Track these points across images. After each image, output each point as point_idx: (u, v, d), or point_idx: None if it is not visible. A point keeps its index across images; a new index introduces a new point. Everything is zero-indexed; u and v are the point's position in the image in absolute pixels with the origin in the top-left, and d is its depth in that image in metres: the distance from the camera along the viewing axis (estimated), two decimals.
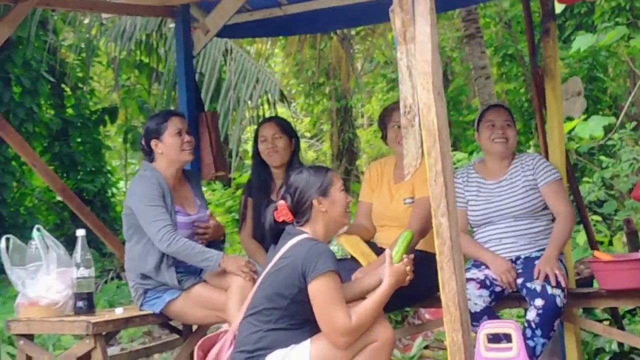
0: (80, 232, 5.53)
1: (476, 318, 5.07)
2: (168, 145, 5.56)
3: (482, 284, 5.31)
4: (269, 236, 4.73)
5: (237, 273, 5.29)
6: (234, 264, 5.32)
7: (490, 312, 5.25)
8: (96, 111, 13.62)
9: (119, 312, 5.60)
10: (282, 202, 4.61)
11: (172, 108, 11.61)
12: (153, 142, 5.60)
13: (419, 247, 5.52)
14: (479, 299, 5.24)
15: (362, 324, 4.36)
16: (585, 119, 6.49)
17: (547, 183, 5.48)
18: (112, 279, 11.51)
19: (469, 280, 5.25)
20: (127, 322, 5.53)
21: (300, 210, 4.57)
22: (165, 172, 5.58)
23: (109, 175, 14.38)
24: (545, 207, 5.55)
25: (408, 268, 4.62)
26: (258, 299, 4.48)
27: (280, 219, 4.59)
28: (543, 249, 5.41)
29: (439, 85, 4.25)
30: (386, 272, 4.55)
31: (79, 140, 13.73)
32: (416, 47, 4.24)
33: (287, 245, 4.48)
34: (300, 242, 4.46)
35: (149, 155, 5.65)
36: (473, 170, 5.73)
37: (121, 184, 15.87)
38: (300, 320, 4.42)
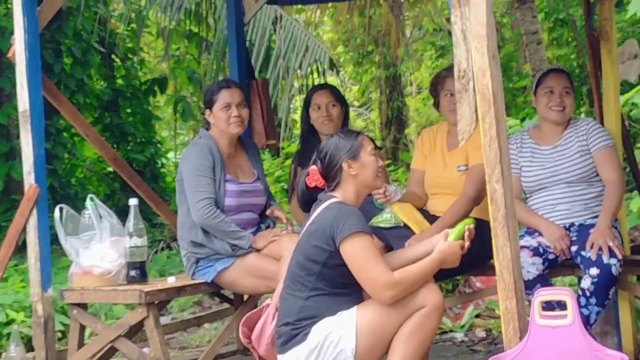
0: (133, 202, 5.55)
1: (529, 286, 5.02)
2: (217, 117, 5.62)
3: (535, 252, 5.25)
4: (301, 203, 4.69)
5: (267, 242, 5.36)
6: (264, 240, 5.40)
7: (544, 280, 5.19)
8: (146, 82, 13.64)
9: (171, 281, 5.62)
10: (313, 167, 4.58)
11: (221, 77, 11.64)
12: (207, 112, 5.70)
13: (472, 214, 5.47)
14: (532, 266, 5.18)
15: (406, 281, 4.29)
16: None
17: (599, 149, 5.40)
18: (162, 249, 11.57)
19: (522, 247, 5.18)
20: (179, 291, 5.54)
21: (330, 174, 4.52)
22: (219, 141, 5.62)
23: (158, 145, 14.41)
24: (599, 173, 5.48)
25: (461, 250, 4.56)
26: (292, 268, 4.45)
27: (312, 184, 4.56)
28: (597, 216, 5.33)
29: (494, 48, 4.20)
30: (438, 246, 4.50)
31: (129, 111, 13.78)
32: (471, 10, 4.19)
33: (317, 210, 4.45)
34: (329, 206, 4.42)
35: (207, 122, 5.72)
36: (527, 136, 5.65)
37: (170, 154, 15.91)
38: (339, 285, 4.37)
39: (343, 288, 4.37)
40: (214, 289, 5.72)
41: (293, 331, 4.33)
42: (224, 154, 5.59)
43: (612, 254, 5.08)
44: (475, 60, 4.19)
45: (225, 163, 5.57)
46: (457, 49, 4.30)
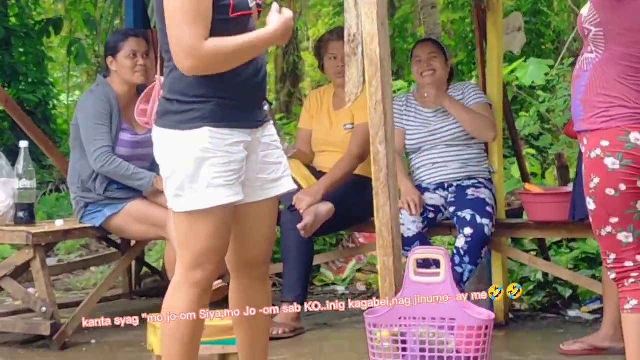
0: (23, 144, 5.58)
1: (409, 243, 5.25)
2: (121, 64, 5.65)
3: None
4: None
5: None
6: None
7: (422, 238, 5.42)
8: (40, 21, 13.44)
9: (59, 224, 5.68)
10: None
11: (117, 23, 11.56)
12: (109, 59, 5.71)
13: (356, 172, 5.68)
14: (412, 224, 5.41)
15: (218, 54, 3.47)
16: (525, 59, 6.59)
17: (472, 105, 5.68)
18: (51, 191, 11.50)
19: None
20: (66, 234, 5.62)
21: None
22: (118, 89, 5.66)
23: (51, 87, 14.23)
24: None
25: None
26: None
27: None
28: (474, 177, 5.61)
29: (383, 15, 4.35)
30: (273, 19, 3.60)
31: (21, 50, 13.54)
32: None
33: None
34: None
35: (106, 69, 5.76)
36: (412, 98, 5.89)
37: (63, 96, 15.72)
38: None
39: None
40: (102, 233, 5.83)
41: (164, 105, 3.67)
42: (121, 102, 5.63)
43: (485, 214, 5.35)
44: (364, 25, 4.35)
45: (122, 112, 5.62)
46: (347, 14, 4.44)
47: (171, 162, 3.58)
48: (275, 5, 3.61)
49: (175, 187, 3.57)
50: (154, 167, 5.65)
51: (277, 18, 3.58)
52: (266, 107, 3.69)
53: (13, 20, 13.61)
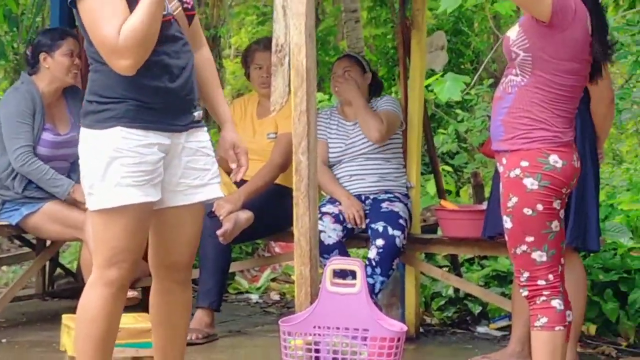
0: None
1: (328, 250, 5.35)
2: (57, 62, 5.62)
3: (337, 219, 5.56)
4: None
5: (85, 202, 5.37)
6: (82, 195, 5.36)
7: (341, 247, 5.49)
8: None
9: None
10: None
11: (39, 20, 11.46)
12: (42, 55, 5.65)
13: (277, 181, 5.73)
14: (333, 232, 5.48)
15: (131, 28, 3.41)
16: (443, 74, 6.70)
17: (380, 110, 5.77)
18: None
19: (325, 214, 5.51)
20: None
21: None
22: (44, 88, 5.63)
23: None
24: (397, 150, 5.82)
25: None
26: None
27: None
28: (390, 191, 5.70)
29: (311, 27, 4.42)
30: None
31: None
32: None
33: None
34: None
35: (32, 66, 5.69)
36: (336, 111, 5.98)
37: None
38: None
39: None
40: (18, 232, 5.80)
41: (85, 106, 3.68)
42: (45, 102, 5.61)
43: (397, 226, 5.43)
44: (292, 36, 4.41)
45: (46, 111, 5.59)
46: (276, 24, 4.50)
47: (86, 160, 3.63)
48: None
49: (88, 185, 3.62)
50: (74, 167, 5.65)
51: None
52: (196, 113, 3.71)
53: None
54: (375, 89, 6.01)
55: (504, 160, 3.88)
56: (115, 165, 3.52)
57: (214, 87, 3.89)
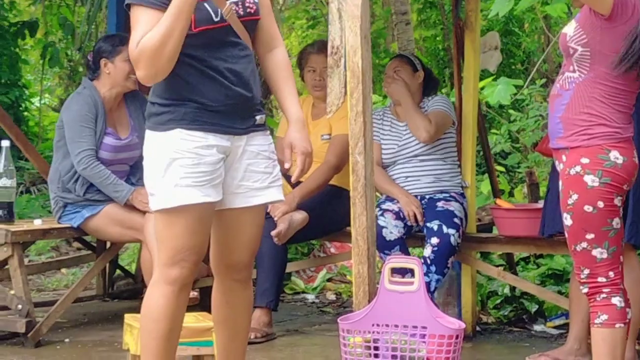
0: (5, 143, 5.64)
1: (390, 246, 5.41)
2: (118, 68, 5.69)
3: (397, 216, 5.60)
4: None
5: (143, 209, 5.47)
6: (143, 198, 5.43)
7: (402, 243, 5.53)
8: (16, 23, 13.45)
9: (37, 223, 5.74)
10: None
11: (96, 28, 11.62)
12: (103, 61, 5.72)
13: (332, 182, 5.78)
14: (394, 228, 5.52)
15: (145, 42, 3.45)
16: (495, 78, 6.71)
17: (431, 110, 5.79)
18: (22, 192, 11.53)
19: (385, 211, 5.56)
20: (44, 233, 5.68)
21: None
22: (105, 93, 5.71)
23: (24, 89, 14.27)
24: (451, 150, 5.84)
25: None
26: None
27: None
28: (446, 190, 5.73)
29: (366, 29, 4.46)
30: None
31: None
32: None
33: None
34: None
35: (93, 72, 5.77)
36: (389, 111, 6.00)
37: (34, 99, 15.71)
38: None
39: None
40: (79, 234, 5.89)
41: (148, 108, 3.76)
42: (107, 106, 5.70)
43: (452, 225, 5.46)
44: (348, 38, 4.46)
45: (107, 115, 5.68)
46: (331, 26, 4.55)
47: (148, 161, 3.69)
48: None
49: (149, 186, 3.68)
50: (133, 170, 5.75)
51: None
52: (258, 117, 3.76)
53: None
54: (430, 87, 6.03)
55: (564, 158, 3.88)
56: (174, 166, 3.59)
57: (285, 88, 3.89)
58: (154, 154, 3.66)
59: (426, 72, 6.01)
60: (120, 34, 5.99)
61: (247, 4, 3.71)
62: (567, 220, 3.89)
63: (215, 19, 3.61)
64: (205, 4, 3.60)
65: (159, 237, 3.71)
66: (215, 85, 3.62)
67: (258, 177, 3.77)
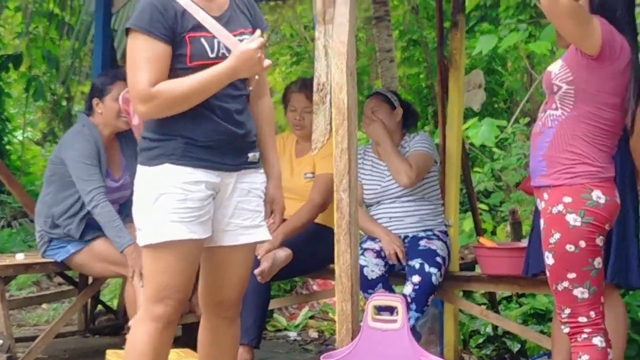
0: None
1: (372, 285, 5.39)
2: (107, 107, 5.63)
3: (378, 254, 5.59)
4: None
5: (129, 268, 5.38)
6: (135, 261, 5.32)
7: (385, 281, 5.52)
8: (0, 57, 13.47)
9: (20, 257, 5.71)
10: None
11: (80, 62, 11.61)
12: (95, 101, 5.67)
13: (317, 220, 5.76)
14: (375, 267, 5.51)
15: (166, 96, 3.57)
16: (479, 118, 6.74)
17: (411, 151, 5.76)
18: (2, 227, 11.50)
19: (367, 249, 5.55)
20: (27, 267, 5.67)
21: None
22: (102, 131, 5.65)
23: (6, 122, 14.28)
24: (434, 189, 5.84)
25: (259, 55, 3.69)
26: None
27: None
28: (430, 229, 5.72)
29: (352, 66, 4.47)
30: (233, 52, 3.67)
31: None
32: (334, 28, 4.45)
33: None
34: None
35: (89, 110, 5.72)
36: (370, 149, 5.96)
37: (17, 132, 15.70)
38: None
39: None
40: (62, 268, 5.85)
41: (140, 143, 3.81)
42: (104, 145, 5.63)
43: (434, 264, 5.46)
44: (334, 75, 4.46)
45: (106, 155, 5.62)
46: (317, 63, 4.56)
47: (137, 196, 3.71)
48: (257, 33, 3.73)
49: (137, 220, 3.70)
50: (122, 209, 5.70)
51: (235, 50, 3.65)
52: (251, 155, 3.77)
53: None
54: (410, 122, 6.01)
55: (546, 196, 3.90)
56: (161, 201, 3.60)
57: (268, 142, 3.97)
58: (143, 188, 3.67)
59: (405, 107, 5.97)
60: (113, 71, 5.95)
61: None
62: (549, 260, 3.89)
63: (211, 55, 3.64)
64: (202, 39, 3.63)
65: (146, 272, 3.71)
66: (204, 121, 3.65)
67: (248, 215, 3.78)
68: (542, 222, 3.94)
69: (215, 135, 3.67)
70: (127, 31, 3.63)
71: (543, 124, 3.95)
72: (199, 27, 3.66)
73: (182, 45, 3.63)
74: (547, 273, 3.93)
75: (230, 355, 3.93)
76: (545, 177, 3.91)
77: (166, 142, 3.64)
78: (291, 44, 16.39)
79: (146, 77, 3.55)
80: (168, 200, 3.60)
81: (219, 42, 3.68)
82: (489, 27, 11.49)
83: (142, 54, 3.58)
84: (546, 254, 3.90)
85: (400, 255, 5.57)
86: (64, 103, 16.58)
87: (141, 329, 3.68)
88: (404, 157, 5.71)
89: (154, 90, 3.55)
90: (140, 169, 3.71)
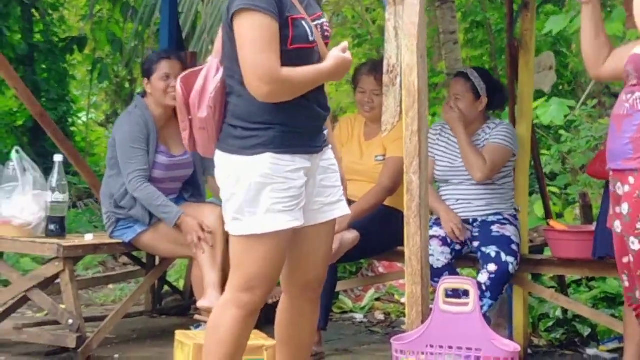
0: (58, 158, 5.65)
1: (438, 273, 5.32)
2: (154, 87, 5.69)
3: (444, 242, 5.54)
4: None
5: (188, 236, 5.43)
6: (189, 227, 5.42)
7: (451, 269, 5.48)
8: (65, 39, 13.56)
9: (88, 238, 5.74)
10: None
11: (142, 45, 11.69)
12: (144, 81, 5.75)
13: (385, 203, 5.73)
14: (441, 255, 5.47)
15: (292, 81, 3.58)
16: (547, 99, 6.65)
17: (490, 143, 5.65)
18: (68, 208, 11.59)
19: (432, 237, 5.46)
20: (95, 248, 5.68)
21: None
22: (154, 111, 5.70)
23: (71, 104, 14.39)
24: (508, 175, 5.76)
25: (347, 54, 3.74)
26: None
27: None
28: (499, 213, 5.64)
29: (423, 48, 4.42)
30: (333, 53, 3.72)
31: (44, 66, 13.66)
32: (405, 9, 4.40)
33: None
34: None
35: (144, 91, 5.79)
36: (448, 127, 5.85)
37: (82, 114, 15.84)
38: None
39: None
40: (130, 249, 5.88)
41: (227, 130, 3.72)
42: (158, 124, 5.67)
43: (510, 252, 5.39)
44: (404, 57, 4.42)
45: (159, 133, 5.67)
46: (388, 45, 4.52)
47: (231, 186, 3.65)
48: (343, 44, 3.74)
49: (233, 210, 3.65)
50: (186, 187, 5.73)
51: (335, 55, 3.68)
52: (326, 132, 3.77)
53: (37, 36, 13.72)
54: (495, 104, 5.91)
55: (632, 180, 3.79)
56: (265, 192, 3.58)
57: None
58: (239, 178, 3.62)
59: (493, 89, 5.81)
60: (162, 51, 6.01)
61: (325, 27, 3.78)
62: (635, 245, 3.80)
63: (310, 39, 3.64)
64: (303, 22, 3.62)
65: (235, 261, 3.69)
66: (300, 108, 3.64)
67: (330, 191, 3.79)
68: (626, 206, 3.83)
69: (310, 121, 3.68)
70: (234, 13, 3.54)
71: (631, 107, 3.83)
72: (295, 9, 3.64)
73: (285, 27, 3.59)
74: (631, 258, 3.84)
75: (310, 334, 3.95)
76: (631, 161, 3.79)
77: (264, 130, 3.60)
78: (353, 26, 16.33)
79: (274, 57, 3.52)
80: (272, 191, 3.58)
81: (311, 27, 3.67)
82: (553, 8, 11.33)
83: (263, 34, 3.52)
84: (632, 239, 3.80)
85: (457, 233, 5.51)
86: (127, 85, 16.70)
87: (226, 315, 3.67)
88: (478, 151, 5.61)
89: (284, 73, 3.54)
90: (230, 158, 3.64)
